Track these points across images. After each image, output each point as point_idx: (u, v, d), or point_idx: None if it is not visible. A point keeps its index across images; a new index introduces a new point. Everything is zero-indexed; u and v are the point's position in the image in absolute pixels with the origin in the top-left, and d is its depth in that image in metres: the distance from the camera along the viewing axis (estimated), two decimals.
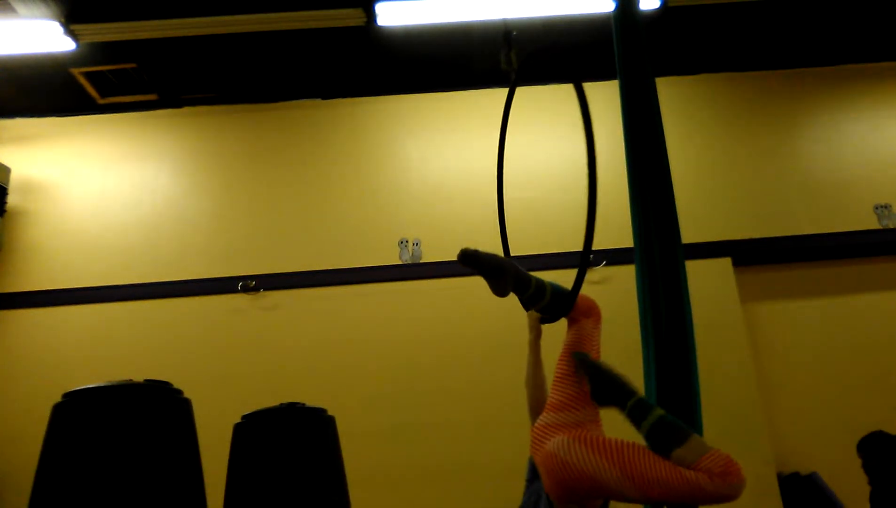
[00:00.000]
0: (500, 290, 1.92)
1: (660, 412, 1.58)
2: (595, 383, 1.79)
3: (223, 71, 4.79)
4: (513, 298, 2.40)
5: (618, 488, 1.53)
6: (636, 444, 1.58)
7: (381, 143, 4.96)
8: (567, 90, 5.66)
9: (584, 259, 1.85)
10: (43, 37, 4.07)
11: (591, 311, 2.03)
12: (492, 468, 4.03)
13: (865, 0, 4.51)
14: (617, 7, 2.80)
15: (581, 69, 1.96)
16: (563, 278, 4.83)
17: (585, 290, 2.04)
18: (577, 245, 4.60)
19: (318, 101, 5.05)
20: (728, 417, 4.02)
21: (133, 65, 4.58)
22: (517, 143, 4.85)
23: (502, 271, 1.88)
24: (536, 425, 1.87)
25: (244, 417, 2.38)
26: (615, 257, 4.40)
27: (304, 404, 2.40)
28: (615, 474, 1.53)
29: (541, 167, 4.78)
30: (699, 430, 2.40)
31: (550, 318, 2.06)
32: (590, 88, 5.42)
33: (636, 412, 1.60)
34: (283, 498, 2.14)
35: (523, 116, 5.01)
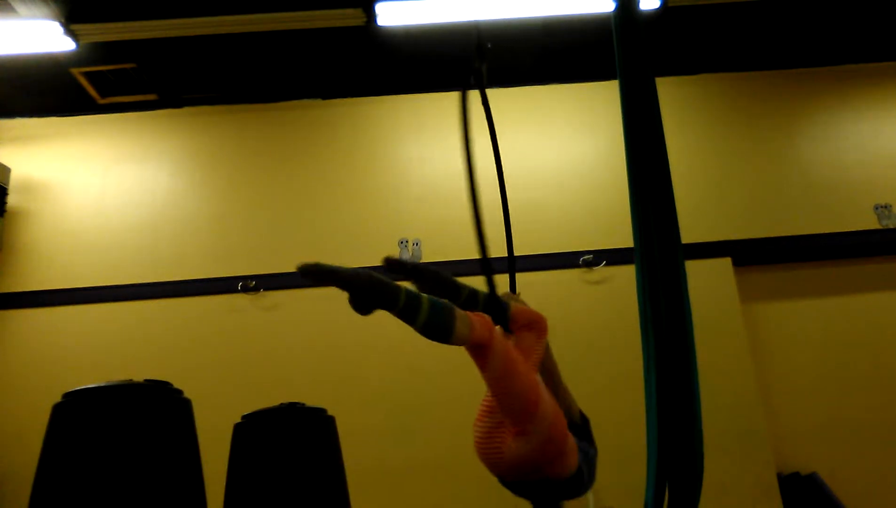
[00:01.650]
0: (357, 306, 1.60)
1: (426, 303, 1.53)
2: (353, 290, 1.54)
3: (223, 71, 4.79)
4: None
5: (533, 432, 1.58)
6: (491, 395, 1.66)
7: (381, 143, 4.96)
8: (568, 91, 5.64)
9: (486, 267, 1.82)
10: (43, 37, 4.07)
11: (534, 324, 1.91)
12: None
13: (865, 0, 4.50)
14: (617, 7, 2.80)
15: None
16: (564, 277, 4.80)
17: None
18: (577, 245, 4.61)
19: (318, 101, 5.05)
20: (728, 417, 4.02)
21: (133, 65, 4.58)
22: (517, 143, 4.85)
23: (351, 285, 1.54)
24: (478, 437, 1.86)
25: (244, 417, 2.38)
26: (615, 257, 4.40)
27: (304, 404, 2.40)
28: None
29: (540, 167, 4.78)
30: (699, 430, 2.40)
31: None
32: (590, 88, 5.47)
33: (408, 312, 1.53)
34: (283, 498, 2.14)
35: (523, 116, 5.01)
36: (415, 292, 1.59)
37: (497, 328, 1.65)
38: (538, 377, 1.74)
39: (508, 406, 1.60)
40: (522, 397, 1.58)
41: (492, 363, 1.57)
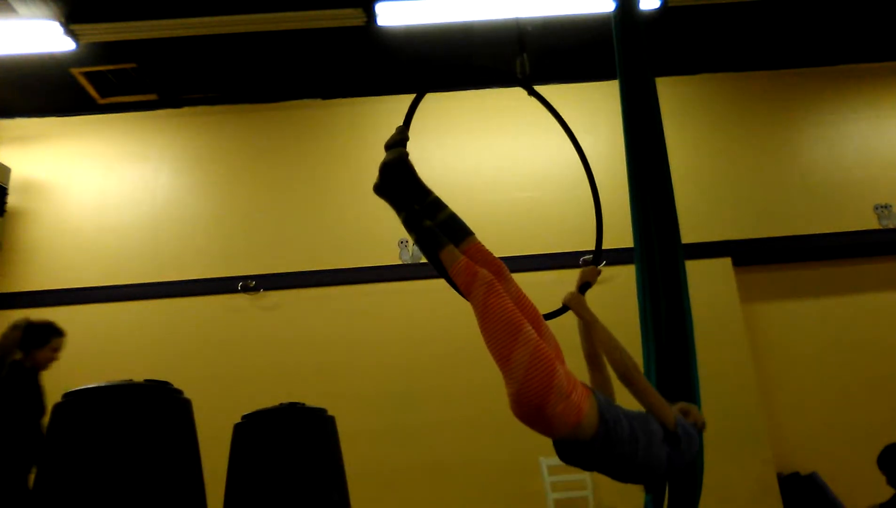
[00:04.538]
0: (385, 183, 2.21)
1: (428, 222, 2.08)
2: (389, 175, 2.17)
3: (223, 71, 4.79)
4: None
5: (522, 368, 1.71)
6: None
7: (381, 143, 4.95)
8: (568, 91, 5.64)
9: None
10: (43, 37, 4.07)
11: (490, 266, 2.04)
12: (490, 465, 4.03)
13: (865, 0, 4.50)
14: (617, 7, 2.81)
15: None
16: (564, 277, 4.80)
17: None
18: (577, 245, 4.60)
19: (318, 101, 5.04)
20: (728, 417, 4.01)
21: (133, 65, 4.58)
22: (517, 143, 4.85)
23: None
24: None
25: (244, 417, 2.38)
26: (615, 257, 4.39)
27: (304, 404, 2.40)
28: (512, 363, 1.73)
29: (540, 167, 4.77)
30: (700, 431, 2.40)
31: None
32: (590, 88, 5.48)
33: (413, 220, 2.08)
34: (283, 498, 2.14)
35: (523, 116, 5.01)
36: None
37: (487, 276, 1.87)
38: (518, 321, 1.83)
39: (489, 344, 1.81)
40: (496, 338, 1.79)
41: (473, 304, 1.85)
